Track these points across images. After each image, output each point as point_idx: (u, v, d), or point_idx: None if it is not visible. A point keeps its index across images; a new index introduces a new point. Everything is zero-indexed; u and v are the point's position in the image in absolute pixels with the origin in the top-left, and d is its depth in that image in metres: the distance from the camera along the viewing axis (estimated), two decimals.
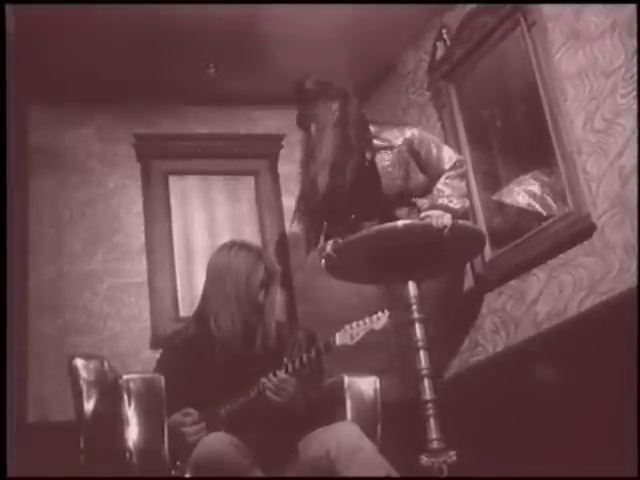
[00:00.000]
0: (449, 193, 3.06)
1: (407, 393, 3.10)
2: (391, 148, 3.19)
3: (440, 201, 3.03)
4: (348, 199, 3.15)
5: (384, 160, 3.18)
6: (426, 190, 3.21)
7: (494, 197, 3.39)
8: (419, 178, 3.22)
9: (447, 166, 3.15)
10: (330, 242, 3.13)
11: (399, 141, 3.20)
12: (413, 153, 3.20)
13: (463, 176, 3.20)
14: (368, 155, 3.18)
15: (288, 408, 2.48)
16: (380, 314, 2.46)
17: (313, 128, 3.21)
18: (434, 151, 3.19)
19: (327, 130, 3.16)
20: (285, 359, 2.54)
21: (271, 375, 2.48)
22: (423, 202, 3.20)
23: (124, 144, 4.17)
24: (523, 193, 3.23)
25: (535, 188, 3.19)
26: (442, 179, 3.12)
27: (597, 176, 2.84)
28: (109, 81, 3.94)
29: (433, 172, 3.18)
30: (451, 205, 3.02)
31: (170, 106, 4.24)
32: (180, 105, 4.26)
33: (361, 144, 3.17)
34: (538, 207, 3.17)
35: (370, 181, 3.16)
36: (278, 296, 3.41)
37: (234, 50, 3.86)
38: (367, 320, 2.46)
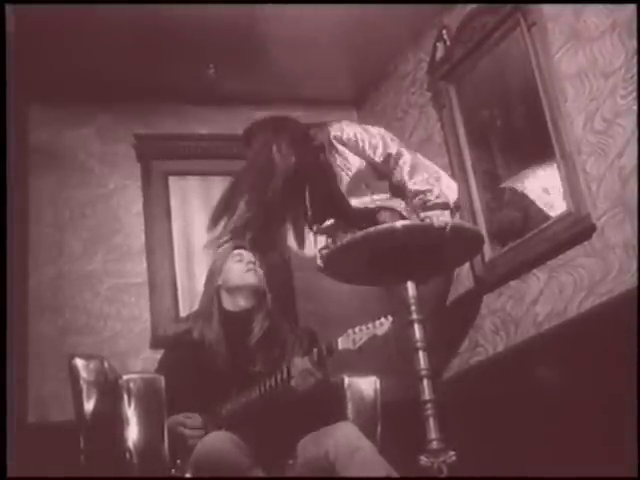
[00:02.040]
0: (436, 193, 2.97)
1: (407, 393, 3.10)
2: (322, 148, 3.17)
3: (433, 201, 2.95)
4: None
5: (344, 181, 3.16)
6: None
7: (506, 184, 3.36)
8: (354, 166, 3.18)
9: (377, 159, 3.09)
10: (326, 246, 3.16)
11: (327, 137, 3.16)
12: (356, 151, 3.14)
13: (414, 169, 3.05)
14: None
15: (292, 408, 2.49)
16: (383, 319, 2.46)
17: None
18: (364, 140, 3.12)
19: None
20: (314, 349, 2.55)
21: (298, 360, 2.51)
22: (399, 202, 3.18)
23: (124, 144, 4.16)
24: (536, 185, 3.21)
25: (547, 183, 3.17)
26: (406, 172, 3.03)
27: (597, 176, 2.84)
28: (109, 81, 3.94)
29: (370, 161, 3.13)
30: (445, 200, 2.96)
31: (170, 106, 4.24)
32: (180, 105, 4.25)
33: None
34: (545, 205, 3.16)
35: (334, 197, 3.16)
36: (277, 296, 3.42)
37: (234, 50, 3.86)
38: (370, 325, 2.47)
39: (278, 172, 3.15)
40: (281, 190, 3.13)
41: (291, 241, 3.36)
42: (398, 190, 3.11)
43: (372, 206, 3.16)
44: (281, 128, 3.24)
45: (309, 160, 3.18)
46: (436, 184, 3.02)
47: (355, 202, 3.17)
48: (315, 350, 2.52)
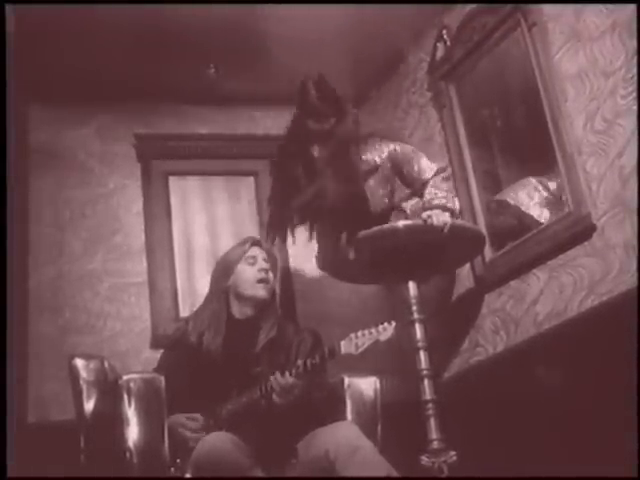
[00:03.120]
0: (442, 195, 3.05)
1: (407, 393, 3.10)
2: (375, 169, 3.17)
3: (436, 202, 3.02)
4: (338, 217, 3.13)
5: (370, 181, 3.16)
6: (412, 195, 3.21)
7: (497, 197, 3.38)
8: (404, 191, 3.21)
9: (429, 175, 3.13)
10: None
11: (381, 159, 3.18)
12: (396, 169, 3.19)
13: (448, 179, 3.21)
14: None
15: (291, 409, 2.48)
16: (386, 325, 2.46)
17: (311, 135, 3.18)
18: (415, 166, 3.17)
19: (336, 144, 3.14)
20: (298, 361, 2.55)
21: (278, 376, 2.48)
22: (410, 204, 3.19)
23: (124, 144, 4.16)
24: (526, 196, 3.22)
25: (539, 193, 3.18)
26: (430, 183, 3.10)
27: (597, 176, 2.84)
28: (109, 81, 3.94)
29: (417, 184, 3.16)
30: (449, 205, 3.02)
31: (170, 106, 4.23)
32: (180, 105, 4.25)
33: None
34: (537, 210, 3.16)
35: (359, 202, 3.15)
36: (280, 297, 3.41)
37: (234, 50, 3.85)
38: (373, 330, 2.47)
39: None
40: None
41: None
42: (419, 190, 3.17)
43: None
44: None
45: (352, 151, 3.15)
46: (454, 199, 3.13)
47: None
48: (317, 355, 2.52)
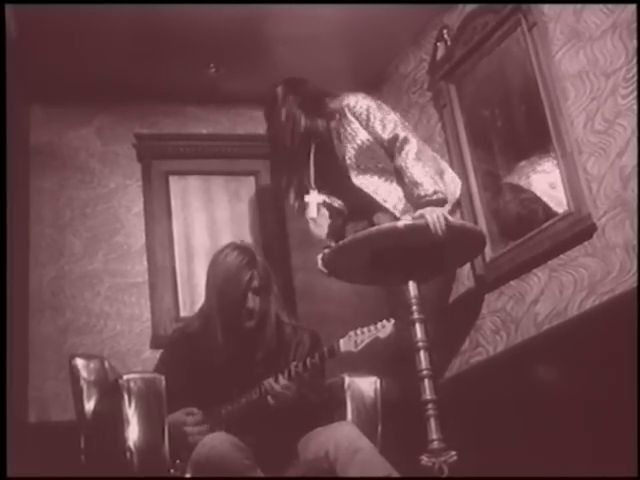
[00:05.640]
0: (429, 183, 2.94)
1: (407, 393, 3.10)
2: (332, 116, 3.16)
3: (427, 198, 2.92)
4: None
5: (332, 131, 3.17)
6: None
7: (507, 180, 3.34)
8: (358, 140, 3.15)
9: (386, 136, 3.07)
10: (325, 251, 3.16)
11: (337, 106, 3.16)
12: (357, 119, 3.14)
13: (418, 159, 3.02)
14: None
15: (286, 412, 2.49)
16: (385, 322, 2.46)
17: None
18: (375, 115, 3.11)
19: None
20: (292, 363, 2.54)
21: (272, 380, 2.48)
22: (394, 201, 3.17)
23: (125, 144, 4.16)
24: (540, 179, 3.18)
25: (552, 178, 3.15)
26: (405, 165, 3.00)
27: (598, 176, 2.84)
28: (110, 81, 3.94)
29: (378, 137, 3.11)
30: (435, 197, 2.92)
31: (171, 106, 4.24)
32: (181, 105, 4.26)
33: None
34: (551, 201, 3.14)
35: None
36: (279, 297, 3.40)
37: (235, 50, 3.86)
38: (372, 328, 2.47)
39: (287, 130, 3.13)
40: (289, 149, 3.13)
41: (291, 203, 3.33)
42: (398, 175, 3.10)
43: (368, 190, 3.15)
44: (296, 88, 3.20)
45: (319, 124, 3.16)
46: (437, 178, 3.02)
47: (356, 179, 3.15)
48: (317, 354, 2.52)
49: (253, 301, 2.66)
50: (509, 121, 3.41)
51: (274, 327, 2.73)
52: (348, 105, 3.14)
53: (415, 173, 2.99)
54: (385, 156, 3.14)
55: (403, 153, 3.04)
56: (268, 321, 2.72)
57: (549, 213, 3.10)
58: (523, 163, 3.28)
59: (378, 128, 3.10)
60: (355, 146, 3.13)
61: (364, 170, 3.15)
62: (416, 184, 2.97)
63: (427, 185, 2.94)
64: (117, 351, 3.70)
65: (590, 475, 2.48)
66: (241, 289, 2.66)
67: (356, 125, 3.13)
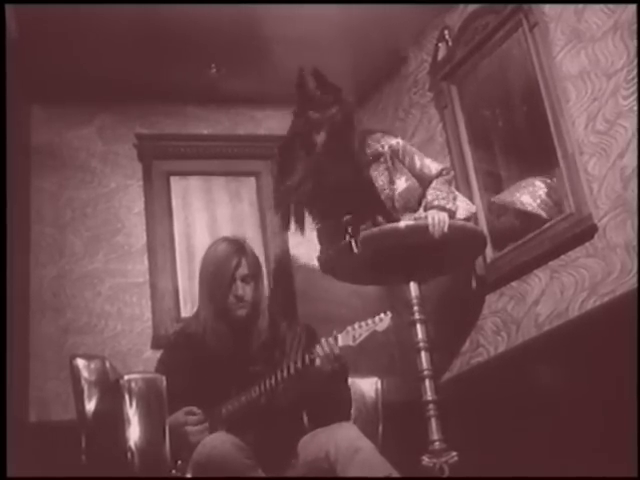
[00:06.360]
0: (443, 196, 3.05)
1: (408, 394, 3.10)
2: (377, 158, 3.15)
3: (436, 203, 3.02)
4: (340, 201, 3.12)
5: (372, 171, 3.16)
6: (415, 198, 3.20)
7: (496, 199, 3.37)
8: (402, 184, 3.18)
9: (433, 172, 3.14)
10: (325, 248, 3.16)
11: (384, 150, 3.17)
12: (397, 161, 3.18)
13: (451, 182, 3.20)
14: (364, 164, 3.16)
15: (291, 407, 2.49)
16: (383, 315, 2.47)
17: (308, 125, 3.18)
18: (418, 161, 3.17)
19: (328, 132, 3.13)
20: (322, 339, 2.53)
21: (325, 341, 2.48)
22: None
23: (126, 144, 4.16)
24: (527, 195, 3.20)
25: (540, 191, 3.16)
26: (432, 185, 3.11)
27: (599, 177, 2.84)
28: (111, 81, 3.94)
29: (419, 180, 3.16)
30: (449, 206, 3.01)
31: (172, 106, 4.24)
32: (182, 105, 4.26)
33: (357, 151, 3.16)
34: (541, 210, 3.14)
35: (364, 189, 3.14)
36: (279, 296, 3.42)
37: (236, 50, 3.85)
38: (370, 321, 2.47)
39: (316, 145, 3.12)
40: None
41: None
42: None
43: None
44: (344, 108, 3.18)
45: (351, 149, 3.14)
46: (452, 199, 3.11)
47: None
48: (324, 340, 2.51)
49: (242, 289, 2.66)
50: (510, 122, 3.42)
51: (267, 318, 2.73)
52: (393, 148, 3.18)
53: (442, 189, 3.09)
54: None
55: (441, 178, 3.15)
56: (260, 311, 2.72)
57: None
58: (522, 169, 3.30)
59: (418, 171, 3.16)
60: (395, 192, 3.15)
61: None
62: (436, 196, 3.05)
63: (445, 199, 3.04)
64: (118, 351, 3.69)
65: (590, 475, 2.48)
66: (229, 274, 2.66)
67: (393, 169, 3.18)
